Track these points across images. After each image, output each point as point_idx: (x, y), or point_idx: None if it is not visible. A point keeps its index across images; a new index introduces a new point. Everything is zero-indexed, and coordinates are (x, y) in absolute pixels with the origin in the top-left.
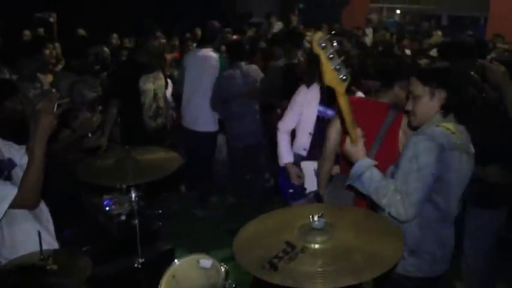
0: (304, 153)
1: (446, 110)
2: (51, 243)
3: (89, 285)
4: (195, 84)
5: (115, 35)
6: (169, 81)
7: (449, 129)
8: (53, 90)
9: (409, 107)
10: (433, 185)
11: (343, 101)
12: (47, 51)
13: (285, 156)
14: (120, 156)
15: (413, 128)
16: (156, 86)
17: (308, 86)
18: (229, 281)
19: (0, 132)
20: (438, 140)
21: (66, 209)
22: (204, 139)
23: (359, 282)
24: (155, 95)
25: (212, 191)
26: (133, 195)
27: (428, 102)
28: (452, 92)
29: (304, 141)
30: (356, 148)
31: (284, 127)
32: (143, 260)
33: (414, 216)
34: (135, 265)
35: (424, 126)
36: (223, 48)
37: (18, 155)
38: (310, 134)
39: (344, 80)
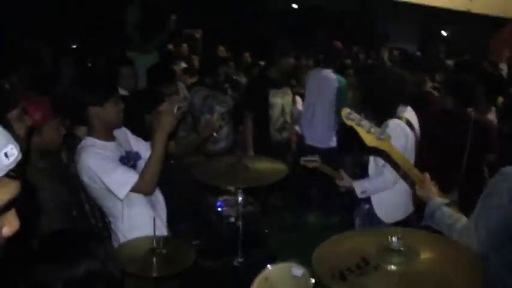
0: None
1: None
2: (162, 230)
3: (192, 275)
4: (315, 103)
5: (247, 54)
6: (298, 98)
7: None
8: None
9: None
10: None
11: (394, 155)
12: (175, 67)
13: None
14: (231, 161)
15: None
16: (284, 101)
17: None
18: None
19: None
20: None
21: (184, 205)
22: (324, 155)
23: None
24: (283, 109)
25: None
26: (239, 198)
27: None
28: None
29: None
30: (423, 190)
31: None
32: (242, 260)
33: (488, 246)
34: (234, 263)
35: None
36: None
37: (144, 149)
38: None
39: (383, 139)
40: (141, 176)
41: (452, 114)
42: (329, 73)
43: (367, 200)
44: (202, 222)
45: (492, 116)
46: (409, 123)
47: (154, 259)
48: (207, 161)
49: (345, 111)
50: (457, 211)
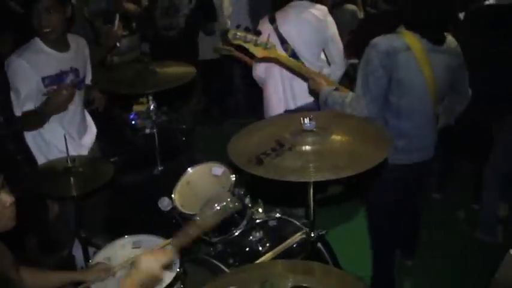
0: None
1: None
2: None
3: (114, 191)
4: None
5: None
6: None
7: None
8: None
9: None
10: (387, 86)
11: (282, 60)
12: None
13: None
14: (139, 68)
15: None
16: None
17: None
18: (238, 188)
19: None
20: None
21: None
22: None
23: (336, 177)
24: None
25: None
26: (151, 105)
27: None
28: None
29: None
30: (315, 83)
31: None
32: (162, 168)
33: (375, 111)
34: (154, 172)
35: None
36: None
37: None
38: None
39: (270, 48)
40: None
41: None
42: None
43: None
44: (118, 138)
45: None
46: None
47: (72, 178)
48: (114, 71)
49: (231, 32)
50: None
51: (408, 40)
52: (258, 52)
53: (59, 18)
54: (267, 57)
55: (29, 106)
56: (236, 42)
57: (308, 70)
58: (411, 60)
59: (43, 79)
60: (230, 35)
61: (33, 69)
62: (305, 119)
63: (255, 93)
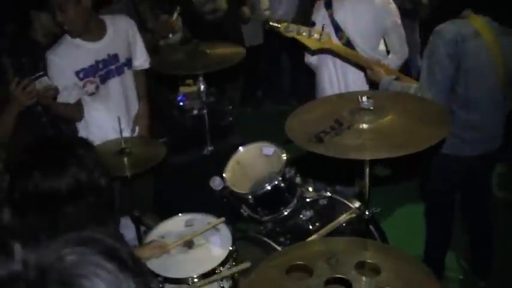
0: None
1: None
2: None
3: (166, 171)
4: None
5: None
6: None
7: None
8: None
9: None
10: (454, 76)
11: (337, 49)
12: None
13: None
14: (189, 49)
15: None
16: None
17: None
18: (289, 168)
19: None
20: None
21: None
22: None
23: (395, 155)
24: None
25: None
26: (202, 86)
27: None
28: None
29: None
30: (373, 73)
31: None
32: (212, 148)
33: (441, 102)
34: (204, 153)
35: None
36: None
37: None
38: None
39: (324, 39)
40: None
41: None
42: None
43: None
44: (166, 120)
45: None
46: None
47: (125, 159)
48: (163, 52)
49: (283, 26)
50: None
51: (477, 25)
52: (312, 44)
53: (75, 11)
54: (322, 48)
55: (66, 99)
56: (289, 35)
57: (367, 59)
58: (481, 48)
59: (77, 73)
60: (282, 28)
61: (65, 64)
62: (363, 98)
63: (301, 77)
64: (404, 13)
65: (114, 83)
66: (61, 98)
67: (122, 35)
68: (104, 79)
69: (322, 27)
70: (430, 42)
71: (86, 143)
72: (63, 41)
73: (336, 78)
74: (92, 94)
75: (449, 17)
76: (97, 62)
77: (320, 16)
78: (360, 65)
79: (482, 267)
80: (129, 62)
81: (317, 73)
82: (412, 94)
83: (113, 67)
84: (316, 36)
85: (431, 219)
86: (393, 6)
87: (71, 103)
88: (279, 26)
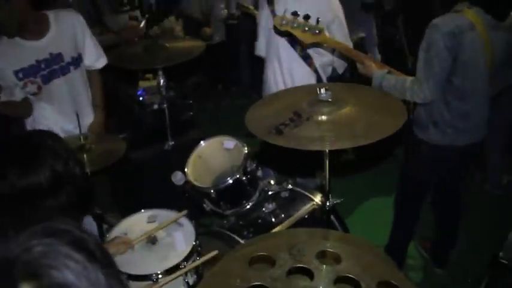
0: None
1: None
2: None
3: (127, 167)
4: None
5: None
6: None
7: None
8: None
9: None
10: (451, 68)
11: (331, 44)
12: None
13: None
14: (148, 43)
15: None
16: None
17: None
18: (250, 161)
19: None
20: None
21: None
22: None
23: (354, 146)
24: None
25: None
26: (161, 80)
27: None
28: None
29: None
30: (365, 67)
31: None
32: (173, 143)
33: (438, 94)
34: (165, 148)
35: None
36: None
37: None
38: None
39: (318, 33)
40: None
41: None
42: None
43: None
44: (126, 115)
45: None
46: None
47: (85, 155)
48: (123, 47)
49: (277, 19)
50: (398, 74)
51: (472, 18)
52: (306, 38)
53: (5, 13)
54: (316, 42)
55: (9, 98)
56: (283, 28)
57: (358, 53)
58: (476, 40)
59: (15, 72)
60: (277, 22)
61: (2, 63)
62: (321, 90)
63: (261, 71)
64: (365, 7)
65: (58, 84)
66: (4, 97)
67: (67, 33)
68: (47, 79)
69: (317, 20)
70: (427, 35)
71: (52, 134)
72: (1, 40)
73: (281, 74)
74: (34, 94)
75: (441, 10)
76: (38, 62)
77: (264, 13)
78: (351, 58)
79: (441, 256)
80: (76, 62)
81: (264, 69)
82: (407, 87)
83: (56, 67)
84: (311, 30)
85: (402, 206)
86: (335, 1)
87: (16, 101)
88: (251, 7)
